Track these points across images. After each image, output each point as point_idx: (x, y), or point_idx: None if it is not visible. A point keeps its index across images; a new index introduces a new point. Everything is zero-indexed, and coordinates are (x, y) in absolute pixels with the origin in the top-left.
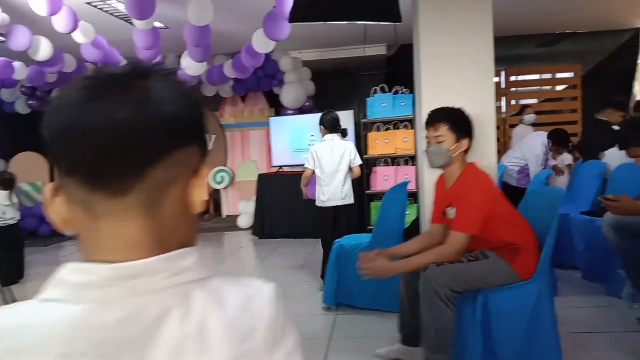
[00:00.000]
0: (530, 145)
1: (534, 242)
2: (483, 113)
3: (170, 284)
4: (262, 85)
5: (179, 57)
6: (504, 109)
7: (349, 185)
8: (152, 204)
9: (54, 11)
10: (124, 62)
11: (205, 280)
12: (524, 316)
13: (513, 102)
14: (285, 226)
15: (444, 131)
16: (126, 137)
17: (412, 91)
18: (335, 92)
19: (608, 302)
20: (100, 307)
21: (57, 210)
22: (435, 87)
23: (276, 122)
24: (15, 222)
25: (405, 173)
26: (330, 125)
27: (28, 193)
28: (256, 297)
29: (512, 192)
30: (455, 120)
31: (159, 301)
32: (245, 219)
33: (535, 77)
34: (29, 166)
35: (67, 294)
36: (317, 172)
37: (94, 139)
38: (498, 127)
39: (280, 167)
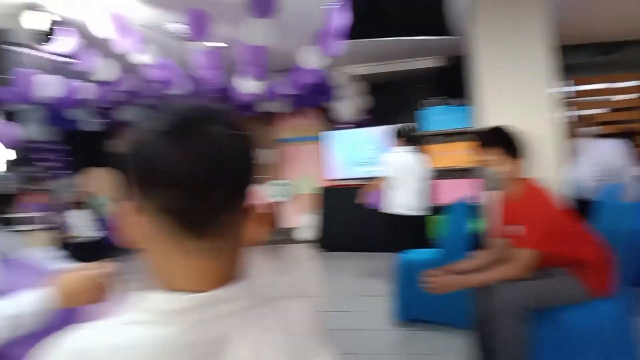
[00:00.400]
0: (605, 156)
1: (606, 259)
2: (544, 125)
3: (240, 308)
4: (317, 100)
5: (236, 75)
6: (572, 119)
7: (422, 196)
8: (227, 243)
9: (121, 34)
10: (186, 81)
11: (271, 303)
12: (599, 336)
13: (582, 112)
14: (349, 239)
15: (498, 155)
16: (215, 186)
17: (466, 103)
18: (392, 104)
19: None
20: (188, 330)
21: (138, 230)
22: (494, 99)
23: (331, 137)
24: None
25: (465, 186)
26: (406, 137)
27: (101, 207)
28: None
29: (586, 206)
30: (510, 143)
31: (227, 326)
32: (305, 232)
33: (604, 86)
34: (101, 181)
35: (157, 318)
36: (392, 181)
37: (189, 188)
38: (565, 139)
39: (338, 180)
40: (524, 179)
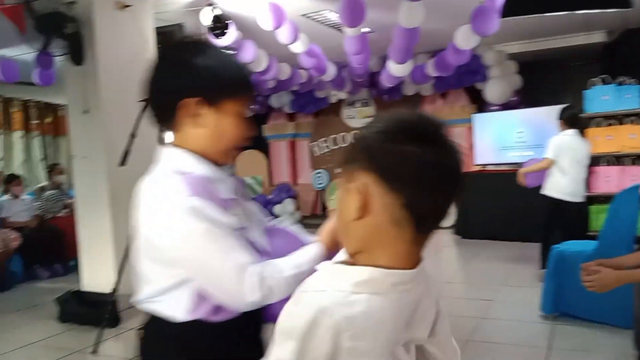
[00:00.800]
0: None
1: None
2: None
3: (423, 279)
4: (464, 82)
5: (382, 58)
6: None
7: (584, 182)
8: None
9: (278, 25)
10: (333, 68)
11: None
12: None
13: None
14: (490, 227)
15: None
16: (456, 192)
17: (638, 82)
18: (545, 85)
19: None
20: (402, 297)
21: (362, 231)
22: None
23: (479, 119)
24: None
25: (632, 174)
26: (568, 120)
27: (251, 186)
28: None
29: None
30: None
31: (419, 292)
32: (449, 219)
33: None
34: (251, 162)
35: (380, 289)
36: (557, 165)
37: (440, 192)
38: None
39: (485, 165)
40: None
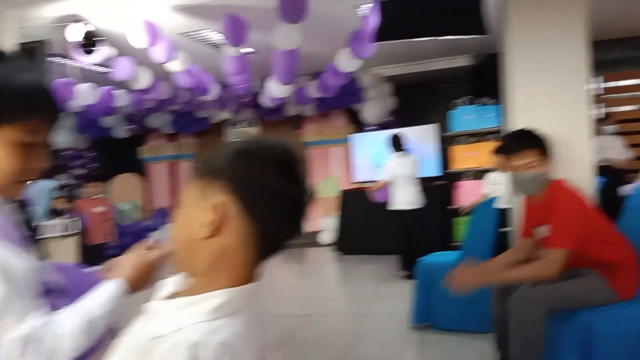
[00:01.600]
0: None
1: (634, 260)
2: (577, 125)
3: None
4: (343, 103)
5: (264, 79)
6: (603, 117)
7: (417, 192)
8: None
9: (152, 43)
10: (216, 88)
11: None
12: (628, 340)
13: (612, 109)
14: (368, 242)
15: (534, 157)
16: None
17: (498, 102)
18: (418, 106)
19: None
20: (254, 309)
21: (208, 251)
22: (525, 98)
23: (357, 139)
24: None
25: None
26: (395, 144)
27: (126, 212)
28: None
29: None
30: (542, 143)
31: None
32: (327, 235)
33: (635, 82)
34: (126, 187)
35: (239, 307)
36: (391, 182)
37: (297, 222)
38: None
39: (362, 183)
40: (553, 180)
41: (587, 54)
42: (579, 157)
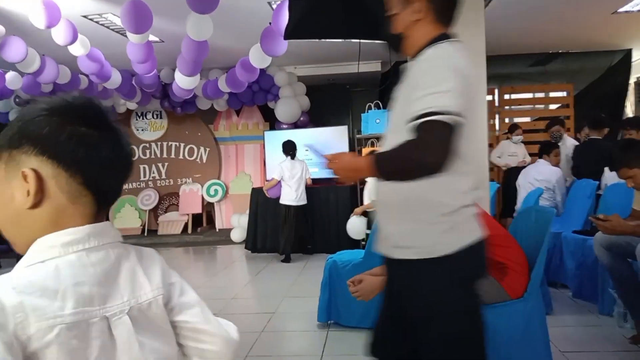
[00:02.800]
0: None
1: (523, 262)
2: (475, 132)
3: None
4: (257, 100)
5: (174, 70)
6: (497, 127)
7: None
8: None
9: (52, 24)
10: (117, 75)
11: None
12: (515, 335)
13: (507, 120)
14: (278, 241)
15: None
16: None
17: None
18: (330, 107)
19: (599, 322)
20: (82, 256)
21: (40, 217)
22: None
23: (271, 136)
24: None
25: None
26: (287, 151)
27: None
28: None
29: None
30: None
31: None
32: (239, 233)
33: (529, 95)
34: None
35: (57, 252)
36: (283, 181)
37: (126, 176)
38: (491, 145)
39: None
40: None
41: (482, 66)
42: (476, 163)
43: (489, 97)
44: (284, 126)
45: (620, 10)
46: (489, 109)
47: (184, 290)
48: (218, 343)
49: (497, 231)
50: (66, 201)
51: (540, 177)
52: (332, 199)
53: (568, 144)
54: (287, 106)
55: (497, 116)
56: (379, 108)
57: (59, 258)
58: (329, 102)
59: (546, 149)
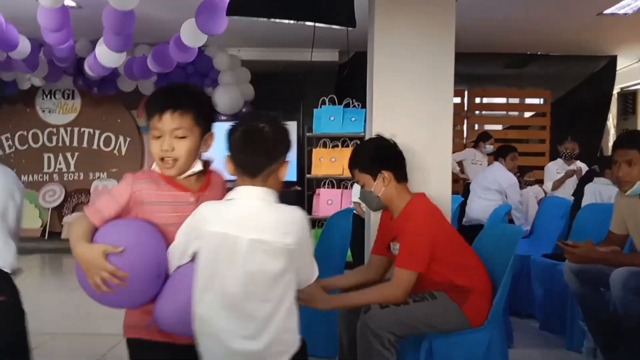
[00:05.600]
0: (496, 177)
1: (487, 285)
2: (438, 138)
3: None
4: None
5: (93, 42)
6: (465, 134)
7: None
8: None
9: None
10: (24, 41)
11: None
12: None
13: (476, 126)
14: None
15: (358, 175)
16: None
17: (364, 106)
18: (279, 99)
19: (567, 357)
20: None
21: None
22: (387, 105)
23: None
24: None
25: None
26: None
27: None
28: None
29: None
30: (392, 161)
31: None
32: None
33: (502, 100)
34: None
35: None
36: None
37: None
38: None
39: None
40: (407, 192)
41: (450, 65)
42: (437, 171)
43: (457, 99)
44: (223, 118)
45: (606, 12)
46: (456, 112)
47: None
48: None
49: (461, 248)
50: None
51: (490, 179)
52: None
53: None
54: (228, 94)
55: (465, 122)
56: (334, 103)
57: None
58: (277, 93)
59: (503, 152)
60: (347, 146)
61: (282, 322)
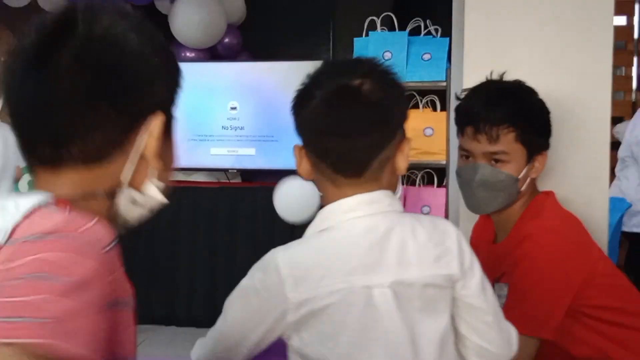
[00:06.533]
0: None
1: None
2: (588, 91)
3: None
4: None
5: None
6: (634, 82)
7: None
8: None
9: None
10: None
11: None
12: None
13: None
14: None
15: (506, 144)
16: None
17: (448, 33)
18: (289, 20)
19: None
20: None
21: (304, 167)
22: (493, 32)
23: None
24: None
25: (424, 202)
26: None
27: None
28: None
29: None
30: (529, 121)
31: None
32: None
33: None
34: None
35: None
36: None
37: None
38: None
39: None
40: (532, 194)
41: None
42: (585, 155)
43: (620, 20)
44: (189, 54)
45: None
46: (619, 44)
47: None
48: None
49: (625, 295)
50: None
51: None
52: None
53: None
54: (198, 12)
55: (635, 60)
56: (391, 28)
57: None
58: (287, 10)
59: None
60: (417, 106)
61: None
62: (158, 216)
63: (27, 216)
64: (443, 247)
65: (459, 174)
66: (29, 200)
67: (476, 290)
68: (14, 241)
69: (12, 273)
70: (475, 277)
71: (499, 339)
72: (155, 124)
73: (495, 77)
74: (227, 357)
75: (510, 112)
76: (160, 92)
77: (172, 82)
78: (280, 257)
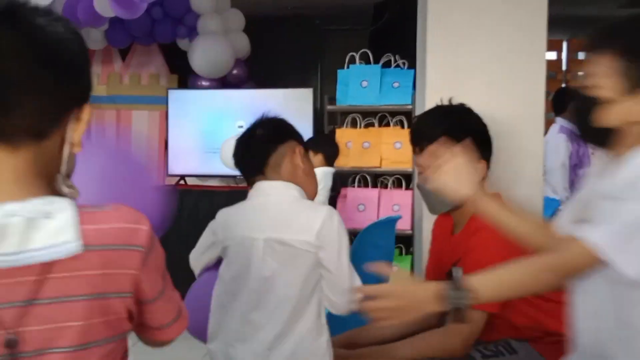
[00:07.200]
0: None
1: None
2: (525, 113)
3: None
4: (160, 34)
5: None
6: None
7: None
8: None
9: None
10: None
11: None
12: None
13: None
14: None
15: (466, 151)
16: None
17: (413, 65)
18: (286, 55)
19: None
20: None
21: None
22: (449, 63)
23: (179, 100)
24: None
25: (395, 202)
26: None
27: None
28: None
29: None
30: (466, 134)
31: None
32: None
33: None
34: None
35: None
36: None
37: None
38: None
39: (182, 177)
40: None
41: (543, 7)
42: (522, 161)
43: (551, 55)
44: (204, 83)
45: None
46: (550, 74)
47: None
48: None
49: None
50: None
51: None
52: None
53: None
54: (212, 49)
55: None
56: (367, 62)
57: None
58: (285, 47)
59: None
60: (387, 124)
61: (303, 342)
62: (179, 214)
63: (82, 221)
64: (310, 223)
65: (418, 187)
66: (60, 207)
67: (332, 257)
68: (103, 247)
69: None
70: (333, 248)
71: (339, 292)
72: (87, 111)
73: (445, 102)
74: (197, 262)
75: (449, 127)
76: (89, 83)
77: (89, 80)
78: (220, 213)
